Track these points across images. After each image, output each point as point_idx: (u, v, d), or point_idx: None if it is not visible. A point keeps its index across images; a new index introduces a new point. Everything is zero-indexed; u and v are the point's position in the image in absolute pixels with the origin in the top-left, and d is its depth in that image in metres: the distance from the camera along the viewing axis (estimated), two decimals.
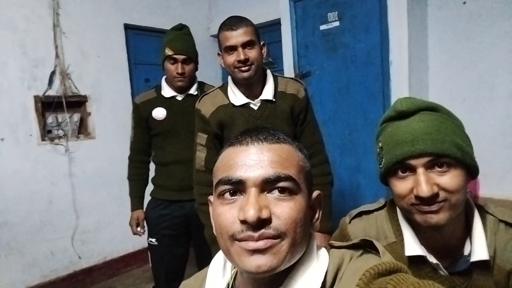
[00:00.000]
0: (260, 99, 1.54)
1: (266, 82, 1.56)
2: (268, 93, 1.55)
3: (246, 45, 1.44)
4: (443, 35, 2.41)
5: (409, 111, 0.84)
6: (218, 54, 1.55)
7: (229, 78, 1.57)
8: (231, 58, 1.46)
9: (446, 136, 0.79)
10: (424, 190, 0.77)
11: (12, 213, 2.63)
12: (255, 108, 1.55)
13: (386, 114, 0.91)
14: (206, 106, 1.56)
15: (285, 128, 1.56)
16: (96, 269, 3.07)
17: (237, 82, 1.54)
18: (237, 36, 1.43)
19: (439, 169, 0.79)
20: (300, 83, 1.63)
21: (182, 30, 1.89)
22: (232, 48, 1.45)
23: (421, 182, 0.78)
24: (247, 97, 1.54)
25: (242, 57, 1.43)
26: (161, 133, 1.90)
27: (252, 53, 1.45)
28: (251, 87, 1.53)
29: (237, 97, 1.54)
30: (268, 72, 1.59)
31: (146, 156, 2.03)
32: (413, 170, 0.81)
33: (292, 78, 1.65)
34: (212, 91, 1.61)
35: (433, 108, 0.85)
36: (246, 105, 1.54)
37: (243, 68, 1.45)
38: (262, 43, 1.53)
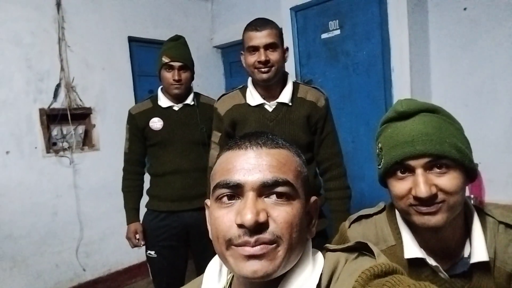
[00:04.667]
0: (276, 102, 1.55)
1: (285, 86, 1.57)
2: (285, 96, 1.55)
3: (268, 46, 1.46)
4: (444, 41, 2.41)
5: (409, 112, 0.84)
6: (241, 53, 1.56)
7: (249, 79, 1.60)
8: (252, 58, 1.47)
9: (445, 137, 0.79)
10: (423, 190, 0.77)
11: (16, 226, 2.65)
12: (270, 109, 1.55)
13: (386, 115, 0.91)
14: (223, 105, 1.60)
15: (300, 134, 1.55)
16: (101, 281, 3.06)
17: (256, 83, 1.56)
18: (261, 37, 1.45)
19: (438, 170, 0.79)
20: (321, 92, 1.62)
21: (178, 40, 1.91)
22: (255, 49, 1.47)
23: (420, 182, 0.78)
24: (264, 98, 1.55)
25: (263, 58, 1.44)
26: (158, 143, 1.90)
27: (274, 56, 1.46)
28: (269, 89, 1.55)
29: (253, 97, 1.55)
30: (289, 77, 1.60)
31: (141, 167, 2.01)
32: (412, 170, 0.81)
33: (313, 87, 1.63)
34: (232, 91, 1.64)
35: (433, 110, 0.85)
36: (260, 106, 1.55)
37: (263, 69, 1.46)
38: (286, 47, 1.54)
